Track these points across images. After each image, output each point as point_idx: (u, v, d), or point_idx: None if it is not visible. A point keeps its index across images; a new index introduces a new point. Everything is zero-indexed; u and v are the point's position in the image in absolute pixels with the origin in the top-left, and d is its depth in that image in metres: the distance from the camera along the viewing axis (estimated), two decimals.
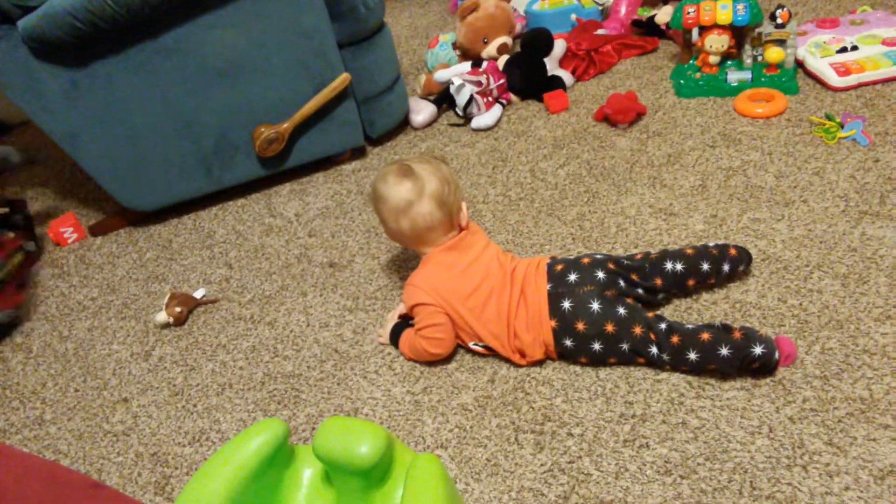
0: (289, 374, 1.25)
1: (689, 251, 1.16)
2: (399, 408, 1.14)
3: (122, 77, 1.50)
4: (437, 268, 1.16)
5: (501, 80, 1.85)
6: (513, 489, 0.98)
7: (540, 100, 1.85)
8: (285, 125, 1.63)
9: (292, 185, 1.78)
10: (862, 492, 0.88)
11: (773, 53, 1.64)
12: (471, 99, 1.79)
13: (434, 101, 1.90)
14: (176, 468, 1.13)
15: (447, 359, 1.18)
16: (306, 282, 1.45)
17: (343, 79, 1.63)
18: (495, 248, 1.20)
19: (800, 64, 1.72)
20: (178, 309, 1.40)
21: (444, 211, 1.15)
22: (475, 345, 1.16)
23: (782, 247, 1.25)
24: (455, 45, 2.10)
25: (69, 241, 1.76)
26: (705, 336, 1.03)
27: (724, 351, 1.01)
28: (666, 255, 1.15)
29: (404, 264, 1.43)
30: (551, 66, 1.89)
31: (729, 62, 1.74)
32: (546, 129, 1.75)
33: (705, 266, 1.15)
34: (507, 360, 1.15)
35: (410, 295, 1.16)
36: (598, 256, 1.15)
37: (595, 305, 1.07)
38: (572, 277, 1.11)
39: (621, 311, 1.07)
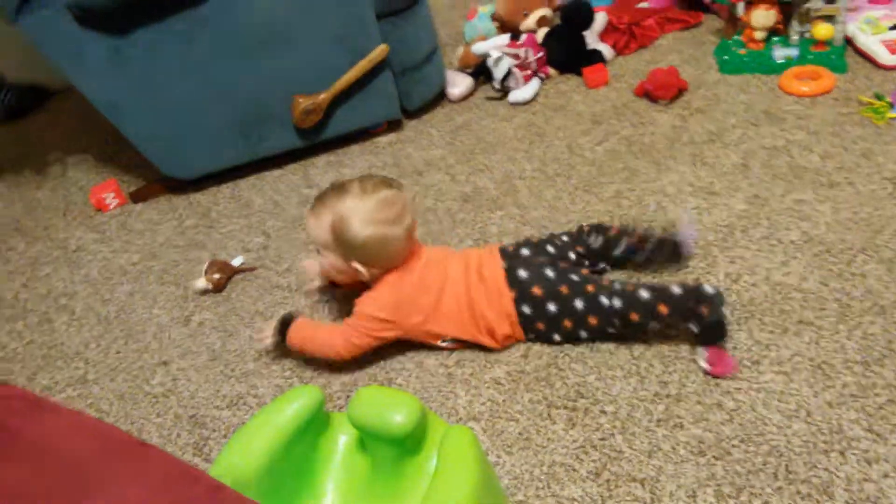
0: None
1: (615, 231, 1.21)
2: (432, 380, 1.15)
3: (164, 45, 1.51)
4: (398, 283, 1.14)
5: (540, 54, 1.82)
6: (544, 463, 0.99)
7: (579, 74, 1.82)
8: (323, 96, 1.63)
9: (328, 156, 1.78)
10: None
11: (822, 30, 1.59)
12: (509, 72, 1.76)
13: (471, 74, 1.88)
14: (214, 430, 1.16)
15: None
16: None
17: (381, 50, 1.62)
18: (436, 249, 1.22)
19: (849, 41, 1.66)
20: (216, 276, 1.42)
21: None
22: (443, 342, 1.17)
23: (826, 229, 1.23)
24: (494, 17, 2.07)
25: (110, 207, 1.79)
26: (657, 284, 1.09)
27: (676, 289, 1.05)
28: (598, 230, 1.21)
29: (438, 238, 1.43)
30: (591, 39, 1.86)
31: (775, 38, 1.69)
32: (585, 104, 1.73)
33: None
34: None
35: (372, 305, 1.14)
36: (545, 236, 1.23)
37: (549, 272, 1.11)
38: (525, 252, 1.17)
39: (574, 277, 1.11)
